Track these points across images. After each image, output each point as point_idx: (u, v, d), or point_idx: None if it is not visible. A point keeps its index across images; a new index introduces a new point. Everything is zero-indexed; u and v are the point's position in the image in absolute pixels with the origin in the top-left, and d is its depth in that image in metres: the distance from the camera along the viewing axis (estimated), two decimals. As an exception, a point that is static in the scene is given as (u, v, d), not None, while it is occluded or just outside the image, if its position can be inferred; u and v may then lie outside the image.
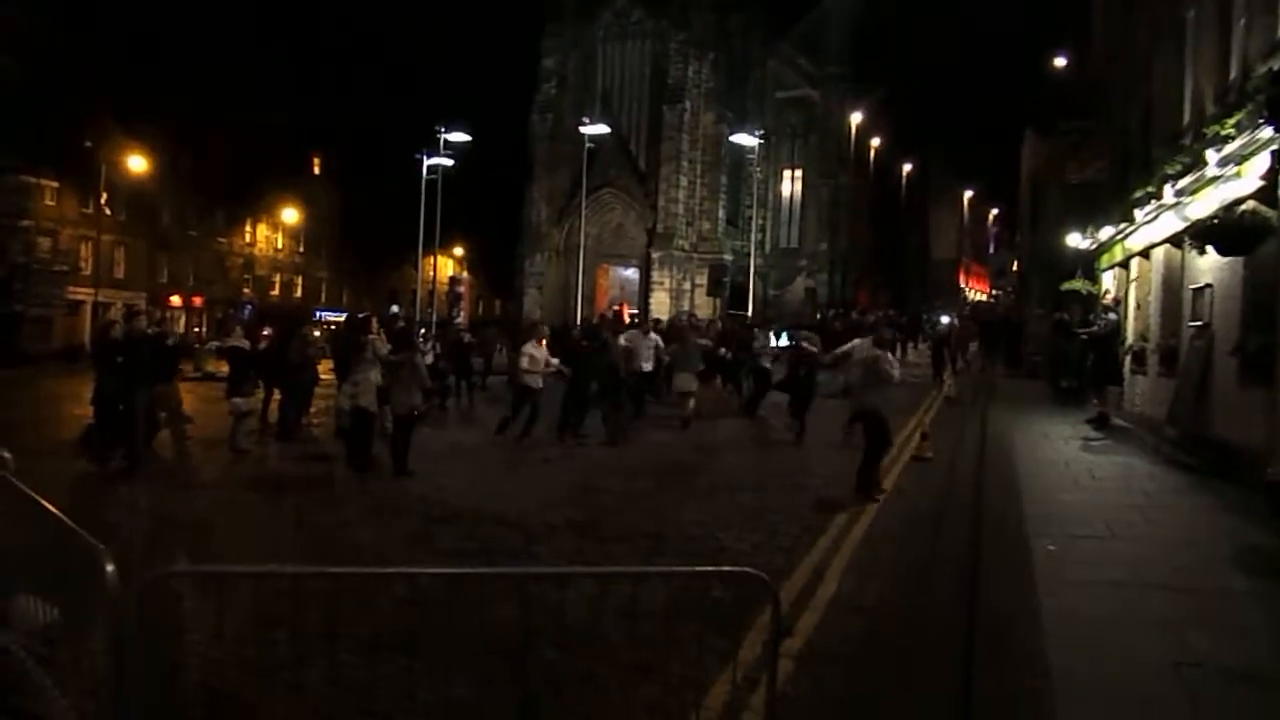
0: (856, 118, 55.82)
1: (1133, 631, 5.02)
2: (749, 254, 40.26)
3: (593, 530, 7.85)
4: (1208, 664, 4.55)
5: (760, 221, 49.90)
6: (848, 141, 57.55)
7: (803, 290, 57.24)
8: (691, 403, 14.69)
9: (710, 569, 5.26)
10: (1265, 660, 4.67)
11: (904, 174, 64.13)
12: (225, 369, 13.54)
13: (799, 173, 59.84)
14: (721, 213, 53.65)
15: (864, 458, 9.24)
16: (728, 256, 48.92)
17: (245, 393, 12.18)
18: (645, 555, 7.08)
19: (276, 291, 54.07)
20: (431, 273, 43.75)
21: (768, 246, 57.17)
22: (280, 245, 55.94)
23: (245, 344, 12.88)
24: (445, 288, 44.43)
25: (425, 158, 34.54)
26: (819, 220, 59.37)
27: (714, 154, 52.51)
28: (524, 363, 12.59)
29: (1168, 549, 6.80)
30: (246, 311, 35.25)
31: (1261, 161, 8.89)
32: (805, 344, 14.13)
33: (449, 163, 34.77)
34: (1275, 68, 8.74)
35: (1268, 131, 8.61)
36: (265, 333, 14.75)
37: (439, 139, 34.47)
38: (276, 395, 13.42)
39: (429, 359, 13.94)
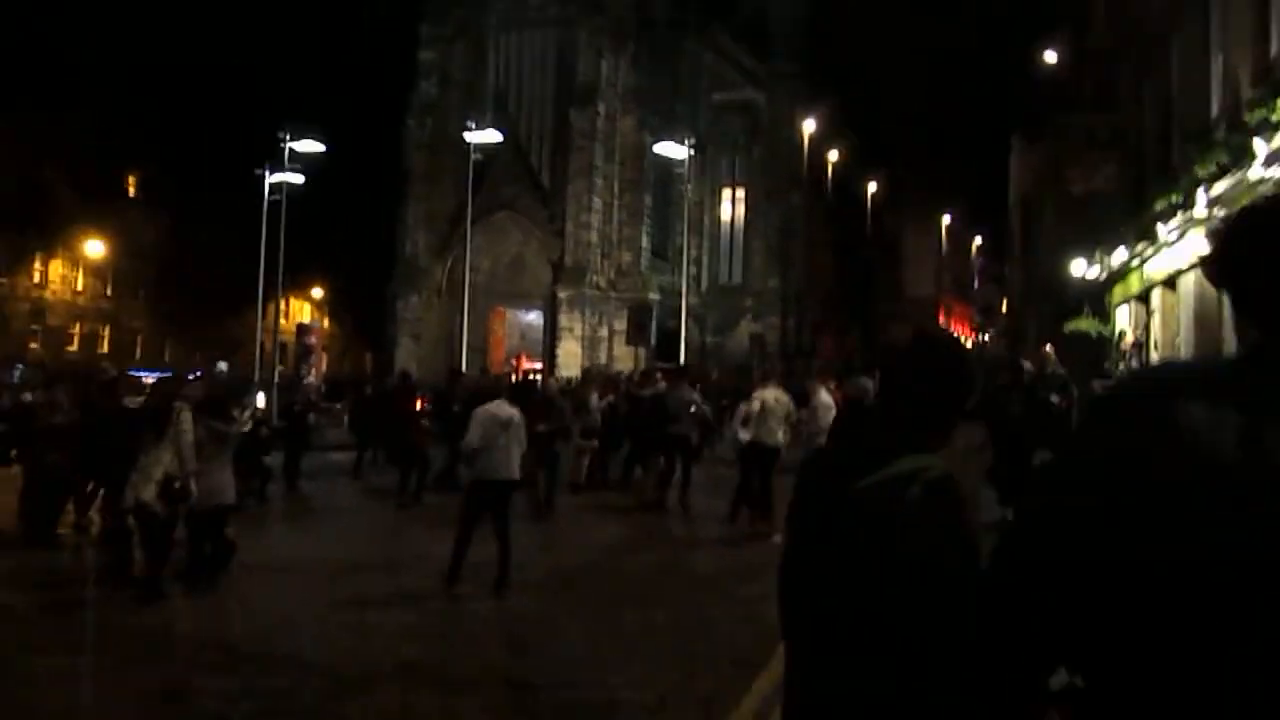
0: (810, 126, 55.76)
1: None
2: (680, 293, 39.82)
3: (433, 674, 7.20)
4: None
5: (694, 253, 49.85)
6: (800, 155, 57.41)
7: (748, 337, 57.05)
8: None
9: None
10: None
11: (869, 195, 64.79)
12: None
13: (741, 193, 60.27)
14: (646, 242, 53.46)
15: None
16: (654, 296, 48.63)
17: None
18: (502, 714, 6.58)
19: (75, 346, 51.96)
20: (277, 320, 42.26)
21: (704, 283, 56.97)
22: (81, 286, 54.27)
23: None
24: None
25: (268, 173, 33.21)
26: (767, 251, 59.50)
27: (635, 169, 52.14)
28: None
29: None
30: (17, 373, 31.35)
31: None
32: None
33: (297, 180, 33.78)
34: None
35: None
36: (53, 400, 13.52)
37: (284, 150, 33.14)
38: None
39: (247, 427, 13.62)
